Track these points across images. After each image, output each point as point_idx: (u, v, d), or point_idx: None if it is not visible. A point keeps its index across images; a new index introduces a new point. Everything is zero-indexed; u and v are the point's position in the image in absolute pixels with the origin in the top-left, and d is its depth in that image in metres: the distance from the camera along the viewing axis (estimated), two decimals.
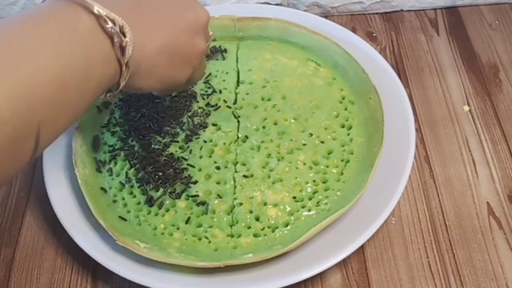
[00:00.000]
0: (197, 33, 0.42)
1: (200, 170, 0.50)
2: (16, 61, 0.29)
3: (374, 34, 0.67)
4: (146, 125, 0.52)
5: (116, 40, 0.34)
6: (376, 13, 0.69)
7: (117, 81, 0.36)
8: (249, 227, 0.48)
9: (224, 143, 0.52)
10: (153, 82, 0.40)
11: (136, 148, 0.52)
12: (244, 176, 0.50)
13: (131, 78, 0.37)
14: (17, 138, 0.29)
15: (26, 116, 0.29)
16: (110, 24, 0.33)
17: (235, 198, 0.49)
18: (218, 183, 0.49)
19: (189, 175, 0.50)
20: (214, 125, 0.53)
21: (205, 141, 0.52)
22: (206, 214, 0.48)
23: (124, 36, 0.34)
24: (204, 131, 0.53)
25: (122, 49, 0.34)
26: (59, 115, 0.32)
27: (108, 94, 0.38)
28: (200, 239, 0.47)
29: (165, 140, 0.52)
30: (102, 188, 0.50)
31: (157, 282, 0.44)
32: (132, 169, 0.50)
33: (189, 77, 0.43)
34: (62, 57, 0.31)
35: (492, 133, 0.58)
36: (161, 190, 0.49)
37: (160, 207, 0.48)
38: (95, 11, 0.33)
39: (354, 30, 0.66)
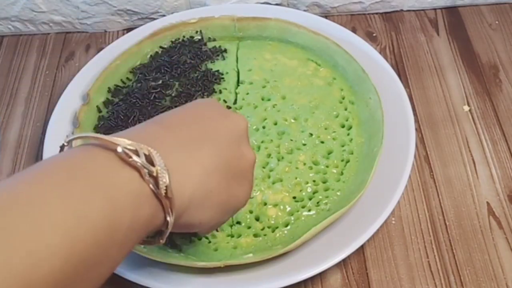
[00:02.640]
0: (241, 142, 0.36)
1: None
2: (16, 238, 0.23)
3: (374, 34, 0.67)
4: None
5: (144, 171, 0.28)
6: (376, 13, 0.69)
7: (162, 219, 0.30)
8: (249, 227, 0.48)
9: None
10: (213, 212, 0.33)
11: None
12: None
13: (186, 214, 0.31)
14: None
15: None
16: (133, 157, 0.28)
17: None
18: None
19: None
20: None
21: None
22: None
23: (153, 165, 0.28)
24: None
25: (155, 179, 0.28)
26: (82, 282, 0.25)
27: (159, 238, 0.31)
28: (200, 239, 0.47)
29: None
30: None
31: (157, 282, 0.44)
32: None
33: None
34: (79, 225, 0.24)
35: (492, 133, 0.58)
36: None
37: None
38: (119, 150, 0.28)
39: (354, 30, 0.66)
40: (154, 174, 0.28)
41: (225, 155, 0.34)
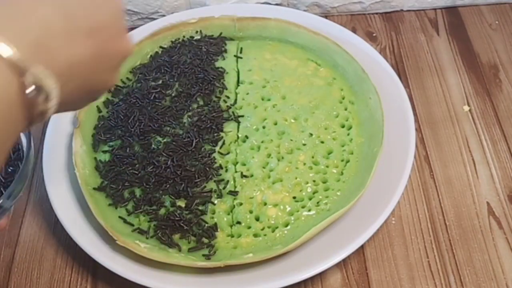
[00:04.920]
0: (118, 37, 0.34)
1: (200, 170, 0.50)
2: None
3: (374, 34, 0.67)
4: (146, 125, 0.52)
5: (38, 107, 0.27)
6: (376, 13, 0.69)
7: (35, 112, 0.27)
8: (249, 227, 0.48)
9: (224, 143, 0.52)
10: (77, 97, 0.32)
11: (136, 148, 0.52)
12: (244, 176, 0.50)
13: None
14: None
15: None
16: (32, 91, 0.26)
17: (235, 198, 0.49)
18: (218, 183, 0.49)
19: (188, 175, 0.49)
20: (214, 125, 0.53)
21: (205, 141, 0.52)
22: (206, 214, 0.48)
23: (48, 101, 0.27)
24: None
25: (43, 114, 0.27)
26: None
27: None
28: (200, 239, 0.47)
29: (165, 140, 0.52)
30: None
31: (157, 282, 0.44)
32: (132, 169, 0.50)
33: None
34: None
35: (492, 133, 0.58)
36: (161, 190, 0.49)
37: (160, 207, 0.48)
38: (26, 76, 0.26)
39: (354, 30, 0.66)
40: (46, 109, 0.27)
41: (97, 56, 0.31)
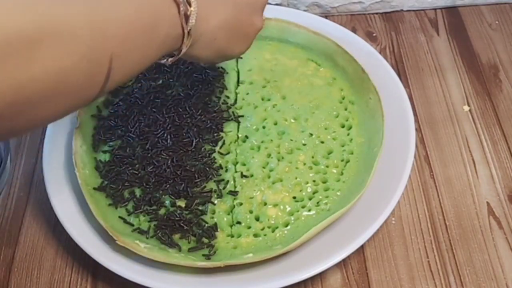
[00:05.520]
0: (256, 12, 0.46)
1: (200, 170, 0.50)
2: None
3: (374, 34, 0.67)
4: (146, 124, 0.52)
5: (182, 8, 0.37)
6: (376, 13, 0.69)
7: (179, 46, 0.40)
8: (249, 227, 0.48)
9: (224, 143, 0.52)
10: (210, 53, 0.44)
11: (136, 148, 0.52)
12: (244, 176, 0.50)
13: (191, 47, 0.40)
14: (91, 60, 0.31)
15: (100, 42, 0.31)
16: None
17: (235, 198, 0.49)
18: (218, 183, 0.49)
19: (188, 175, 0.49)
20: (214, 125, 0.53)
21: (205, 141, 0.52)
22: (206, 214, 0.48)
23: (190, 6, 0.38)
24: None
25: (187, 17, 0.38)
26: (129, 55, 0.34)
27: (169, 59, 0.41)
28: (199, 239, 0.47)
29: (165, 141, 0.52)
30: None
31: (157, 282, 0.44)
32: (132, 169, 0.50)
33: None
34: (134, 5, 0.34)
35: (492, 133, 0.58)
36: (161, 190, 0.49)
37: (160, 207, 0.48)
38: None
39: (354, 30, 0.66)
40: (188, 13, 0.38)
41: (239, 18, 0.44)
